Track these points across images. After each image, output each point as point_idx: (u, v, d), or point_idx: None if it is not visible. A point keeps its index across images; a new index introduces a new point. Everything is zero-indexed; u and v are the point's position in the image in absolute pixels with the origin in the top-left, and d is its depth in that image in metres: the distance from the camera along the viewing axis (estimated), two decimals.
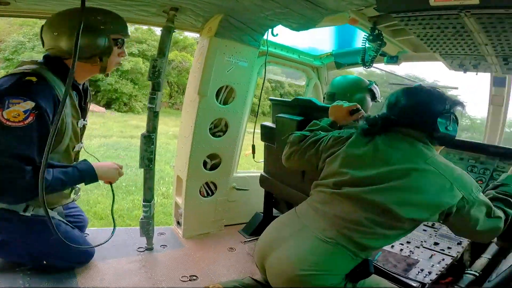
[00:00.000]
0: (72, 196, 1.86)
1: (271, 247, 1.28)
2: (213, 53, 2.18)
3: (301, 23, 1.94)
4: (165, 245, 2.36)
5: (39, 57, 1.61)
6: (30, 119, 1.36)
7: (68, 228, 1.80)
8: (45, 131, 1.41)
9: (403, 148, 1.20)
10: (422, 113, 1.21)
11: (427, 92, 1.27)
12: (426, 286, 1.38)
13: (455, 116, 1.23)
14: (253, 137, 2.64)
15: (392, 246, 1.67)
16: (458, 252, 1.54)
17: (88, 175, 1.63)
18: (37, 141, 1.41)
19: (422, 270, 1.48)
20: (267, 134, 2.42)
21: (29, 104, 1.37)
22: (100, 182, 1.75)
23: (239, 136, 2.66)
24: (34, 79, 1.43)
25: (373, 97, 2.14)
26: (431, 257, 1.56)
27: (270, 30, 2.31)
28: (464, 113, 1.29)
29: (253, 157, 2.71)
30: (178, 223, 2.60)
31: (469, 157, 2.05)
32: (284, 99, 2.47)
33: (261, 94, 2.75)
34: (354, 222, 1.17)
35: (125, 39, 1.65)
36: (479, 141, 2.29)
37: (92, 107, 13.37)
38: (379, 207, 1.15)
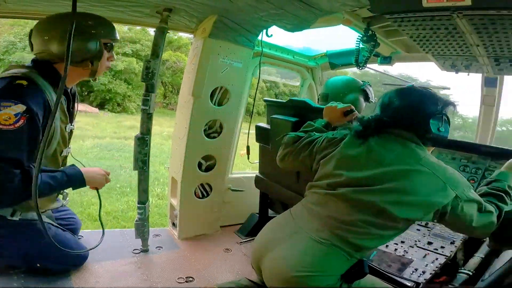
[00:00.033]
0: (62, 201, 1.85)
1: (266, 248, 1.28)
2: (207, 54, 2.17)
3: (296, 24, 1.94)
4: (161, 247, 2.35)
5: (31, 57, 1.59)
6: (21, 122, 1.35)
7: (59, 231, 1.78)
8: (35, 134, 1.40)
9: (396, 149, 1.20)
10: (415, 114, 1.22)
11: (419, 93, 1.28)
12: (421, 285, 1.40)
13: (447, 117, 1.24)
14: (248, 138, 2.63)
15: (387, 246, 1.69)
16: (451, 251, 1.56)
17: (76, 180, 1.63)
18: (27, 144, 1.40)
19: (416, 269, 1.49)
20: (262, 135, 2.42)
21: (20, 108, 1.35)
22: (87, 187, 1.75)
23: (234, 137, 2.65)
24: (24, 82, 1.42)
25: (366, 98, 2.15)
26: (425, 256, 1.58)
27: (264, 30, 2.31)
28: (456, 113, 1.30)
29: (248, 158, 2.71)
30: (174, 224, 2.59)
31: (461, 157, 2.07)
32: (279, 100, 2.47)
33: (255, 94, 2.75)
34: (348, 223, 1.18)
35: (114, 44, 1.68)
36: (471, 141, 2.32)
37: (85, 107, 13.28)
38: (374, 208, 1.16)
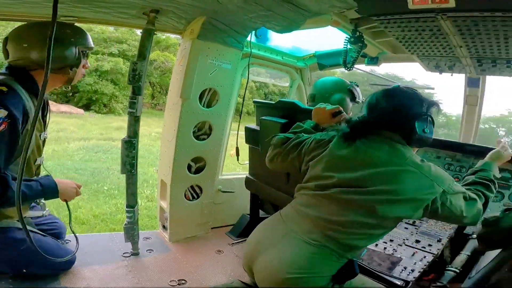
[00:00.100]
0: (42, 211, 1.83)
1: (258, 251, 1.28)
2: (196, 56, 2.15)
3: (284, 26, 1.95)
4: (151, 250, 2.32)
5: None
6: (2, 127, 1.33)
7: (38, 236, 1.75)
8: (15, 140, 1.39)
9: (383, 150, 1.22)
10: (401, 116, 1.24)
11: (405, 94, 1.30)
12: (410, 284, 1.42)
13: (432, 118, 1.27)
14: (237, 139, 2.62)
15: (376, 245, 1.71)
16: (438, 249, 1.60)
17: (50, 191, 1.62)
18: (6, 150, 1.38)
19: (405, 268, 1.52)
20: (251, 136, 2.41)
21: (2, 113, 1.34)
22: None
23: (224, 139, 2.64)
24: (4, 88, 1.41)
25: (353, 98, 2.17)
26: (413, 254, 1.61)
27: (253, 32, 2.30)
28: (441, 111, 1.33)
29: (237, 160, 2.70)
30: (164, 227, 2.56)
31: (446, 155, 2.13)
32: (268, 102, 2.48)
33: (244, 95, 2.73)
34: (338, 223, 1.19)
35: (88, 52, 1.72)
36: (455, 140, 2.38)
37: (70, 109, 12.93)
38: (364, 208, 1.17)
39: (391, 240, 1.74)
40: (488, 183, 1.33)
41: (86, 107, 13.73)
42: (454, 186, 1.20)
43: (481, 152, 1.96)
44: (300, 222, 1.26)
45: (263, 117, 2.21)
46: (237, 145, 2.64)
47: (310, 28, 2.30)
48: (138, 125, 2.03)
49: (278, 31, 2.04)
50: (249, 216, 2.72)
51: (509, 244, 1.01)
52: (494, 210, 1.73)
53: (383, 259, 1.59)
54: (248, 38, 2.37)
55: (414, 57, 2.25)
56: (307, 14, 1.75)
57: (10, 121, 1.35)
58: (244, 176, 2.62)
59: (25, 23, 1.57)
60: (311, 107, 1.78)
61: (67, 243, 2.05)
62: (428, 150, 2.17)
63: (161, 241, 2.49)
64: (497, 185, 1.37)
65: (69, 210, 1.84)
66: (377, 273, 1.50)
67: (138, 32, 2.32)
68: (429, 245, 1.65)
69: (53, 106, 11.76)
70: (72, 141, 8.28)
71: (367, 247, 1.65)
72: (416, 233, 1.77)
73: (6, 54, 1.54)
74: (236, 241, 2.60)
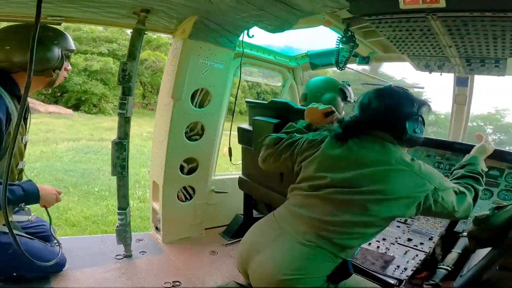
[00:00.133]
0: (28, 216, 1.81)
1: (252, 252, 1.27)
2: (187, 55, 2.12)
3: (277, 25, 1.94)
4: (145, 251, 2.30)
5: None
6: None
7: (25, 240, 1.73)
8: None
9: (375, 149, 1.23)
10: (392, 116, 1.25)
11: (397, 94, 1.31)
12: (403, 282, 1.44)
13: (423, 118, 1.28)
14: (230, 139, 2.61)
15: (369, 244, 1.73)
16: (430, 247, 1.62)
17: (32, 196, 1.60)
18: None
19: (398, 266, 1.54)
20: (244, 136, 2.40)
21: None
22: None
23: (216, 139, 2.62)
24: None
25: (344, 97, 2.18)
26: (405, 253, 1.63)
27: (246, 31, 2.28)
28: (431, 112, 1.35)
29: (230, 160, 2.69)
30: (157, 228, 2.53)
31: (436, 154, 2.16)
32: (261, 102, 2.47)
33: (236, 95, 2.72)
34: (332, 224, 1.19)
35: (70, 54, 1.72)
36: (444, 139, 2.42)
37: (58, 109, 12.66)
38: (357, 208, 1.18)
39: (383, 239, 1.76)
40: (477, 176, 1.36)
41: (75, 107, 13.46)
42: (445, 182, 1.23)
43: (470, 150, 2.00)
44: (293, 223, 1.26)
45: (256, 117, 2.20)
46: (229, 145, 2.63)
47: (302, 28, 2.30)
48: (129, 126, 2.00)
49: (270, 31, 2.03)
50: (242, 216, 2.71)
51: (499, 242, 1.03)
52: (484, 208, 1.76)
53: (377, 258, 1.61)
54: (241, 38, 2.35)
55: (405, 57, 2.27)
56: (299, 14, 1.75)
57: None
58: (237, 176, 2.61)
59: (7, 25, 1.55)
60: (303, 107, 1.78)
61: (57, 246, 2.01)
62: (419, 148, 2.20)
63: (154, 242, 2.46)
64: (485, 179, 1.40)
65: (49, 216, 1.81)
66: (371, 272, 1.51)
67: (129, 31, 2.28)
68: (421, 243, 1.67)
69: (41, 106, 11.56)
70: (61, 142, 8.10)
71: (361, 246, 1.66)
72: (408, 232, 1.79)
73: None
74: (230, 242, 2.59)
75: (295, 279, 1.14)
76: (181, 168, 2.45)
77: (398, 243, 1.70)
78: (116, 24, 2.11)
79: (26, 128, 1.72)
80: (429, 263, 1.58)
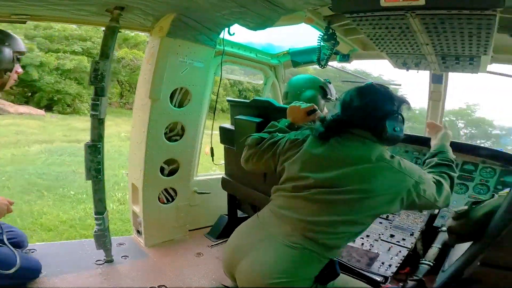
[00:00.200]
0: None
1: (238, 255, 1.25)
2: (165, 54, 2.05)
3: (258, 23, 1.91)
4: (127, 256, 2.22)
5: None
6: None
7: None
8: None
9: (357, 148, 1.24)
10: (373, 115, 1.25)
11: (377, 92, 1.31)
12: (389, 279, 1.45)
13: (402, 116, 1.30)
14: (211, 139, 2.55)
15: (354, 241, 1.74)
16: (412, 243, 1.65)
17: None
18: None
19: (383, 263, 1.56)
20: (226, 136, 2.35)
21: None
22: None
23: (197, 139, 2.56)
24: None
25: (324, 95, 2.18)
26: (389, 249, 1.65)
27: (226, 29, 2.23)
28: (411, 110, 1.37)
29: (212, 160, 2.64)
30: (138, 232, 2.46)
31: (414, 150, 2.21)
32: (242, 100, 2.43)
33: (217, 93, 2.66)
34: (317, 224, 1.18)
35: (20, 57, 1.70)
36: (421, 135, 2.48)
37: (29, 110, 12.04)
38: (342, 207, 1.17)
39: (367, 236, 1.78)
40: (450, 163, 1.40)
41: (48, 108, 12.78)
42: (424, 175, 1.25)
43: None
44: (279, 224, 1.24)
45: (238, 117, 2.15)
46: (211, 145, 2.57)
47: (284, 25, 2.28)
48: (103, 128, 1.91)
49: (252, 28, 1.99)
50: (227, 216, 2.67)
51: (478, 237, 1.05)
52: (460, 202, 1.82)
53: (361, 255, 1.62)
54: (221, 35, 2.29)
55: (384, 55, 2.30)
56: (281, 11, 1.73)
57: None
58: (220, 176, 2.56)
59: None
60: (285, 106, 1.76)
61: (32, 252, 1.92)
62: (397, 145, 2.24)
63: (136, 246, 2.39)
64: (456, 165, 1.44)
65: (0, 227, 1.73)
66: (357, 269, 1.52)
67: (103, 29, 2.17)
68: (403, 239, 1.70)
69: (10, 107, 10.93)
70: (33, 144, 7.68)
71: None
72: (390, 228, 1.82)
73: None
74: (215, 243, 2.55)
75: (284, 282, 1.12)
76: (162, 170, 2.37)
77: (382, 240, 1.73)
78: (88, 22, 2.01)
79: None
80: (412, 258, 1.61)
